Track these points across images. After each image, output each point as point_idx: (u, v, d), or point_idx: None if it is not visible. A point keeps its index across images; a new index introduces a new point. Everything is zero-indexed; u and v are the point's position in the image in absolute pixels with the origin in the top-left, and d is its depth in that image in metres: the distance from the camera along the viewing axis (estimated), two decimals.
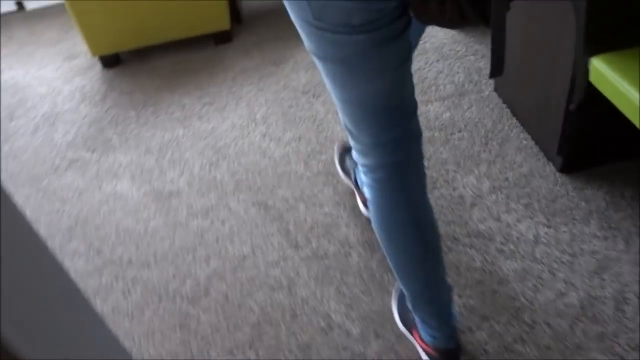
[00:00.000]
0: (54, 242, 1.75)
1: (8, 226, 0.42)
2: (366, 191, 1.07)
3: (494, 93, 1.95)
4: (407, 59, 0.92)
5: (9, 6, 3.30)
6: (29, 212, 1.89)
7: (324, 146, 1.90)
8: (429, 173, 1.70)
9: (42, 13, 3.26)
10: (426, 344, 1.18)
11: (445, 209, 1.56)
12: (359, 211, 1.61)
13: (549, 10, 1.44)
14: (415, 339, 1.24)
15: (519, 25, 1.62)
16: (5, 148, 2.22)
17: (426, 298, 1.12)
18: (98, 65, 2.63)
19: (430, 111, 1.94)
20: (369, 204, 1.08)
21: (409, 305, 1.17)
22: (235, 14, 2.71)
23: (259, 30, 2.67)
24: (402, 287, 1.14)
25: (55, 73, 2.66)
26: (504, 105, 1.88)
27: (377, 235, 1.09)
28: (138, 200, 1.84)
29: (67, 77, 2.61)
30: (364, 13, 0.81)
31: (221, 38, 2.61)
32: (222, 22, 2.52)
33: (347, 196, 1.68)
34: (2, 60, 2.84)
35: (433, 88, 2.05)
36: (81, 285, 1.59)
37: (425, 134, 1.84)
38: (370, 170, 1.02)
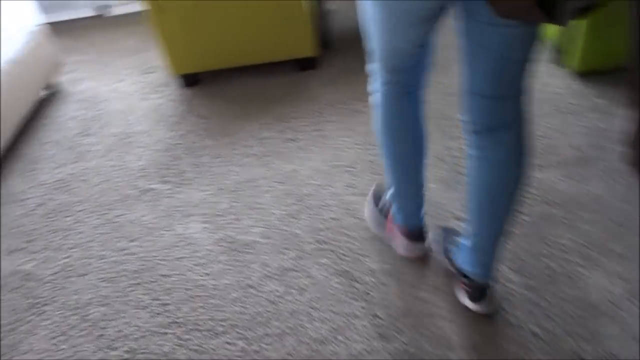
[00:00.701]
0: (118, 286, 1.62)
1: None
2: (376, 97, 1.31)
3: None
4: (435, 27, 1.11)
5: (91, 11, 3.26)
6: (96, 245, 1.77)
7: None
8: (547, 262, 1.45)
9: (124, 19, 3.20)
10: (401, 227, 1.50)
11: (569, 315, 1.31)
12: (462, 304, 1.38)
13: None
14: (390, 230, 1.56)
15: None
16: (77, 167, 2.14)
17: (413, 183, 1.41)
18: (176, 83, 2.52)
19: (545, 180, 1.68)
20: (376, 107, 1.32)
21: (392, 196, 1.45)
22: (323, 39, 2.52)
23: (347, 58, 2.48)
24: (393, 180, 1.41)
25: (132, 87, 2.57)
26: None
27: (382, 138, 1.34)
28: (210, 249, 1.69)
29: (144, 92, 2.51)
30: None
31: (306, 64, 2.43)
32: (307, 48, 2.34)
33: (446, 280, 1.46)
34: (81, 68, 2.79)
35: (548, 150, 1.79)
36: (141, 345, 1.44)
37: (540, 208, 1.59)
38: (390, 81, 1.26)
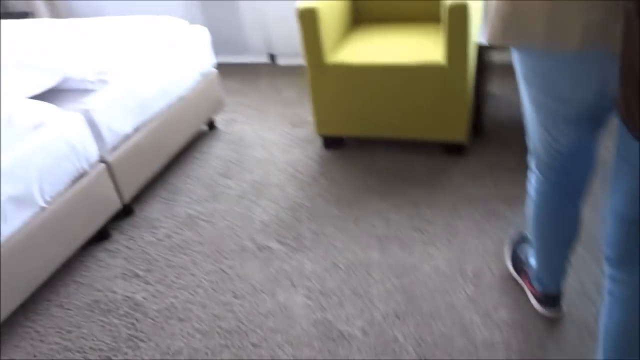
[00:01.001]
0: (209, 342, 1.61)
1: None
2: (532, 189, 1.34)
3: None
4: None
5: (263, 57, 3.49)
6: (202, 292, 1.80)
7: (549, 353, 1.42)
8: None
9: (290, 70, 3.36)
10: (536, 290, 1.52)
11: None
12: None
13: None
14: (524, 282, 1.59)
15: None
16: (209, 207, 2.22)
17: (556, 262, 1.41)
18: (319, 142, 2.54)
19: None
20: (530, 196, 1.36)
21: (533, 263, 1.48)
22: (477, 125, 2.36)
23: (499, 150, 2.28)
24: (536, 254, 1.43)
25: (278, 137, 2.65)
26: None
27: (531, 224, 1.38)
28: (305, 328, 1.61)
29: (287, 145, 2.57)
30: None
31: (453, 149, 2.29)
32: (458, 133, 2.20)
33: None
34: (239, 110, 2.96)
35: None
36: None
37: None
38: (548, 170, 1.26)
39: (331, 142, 2.48)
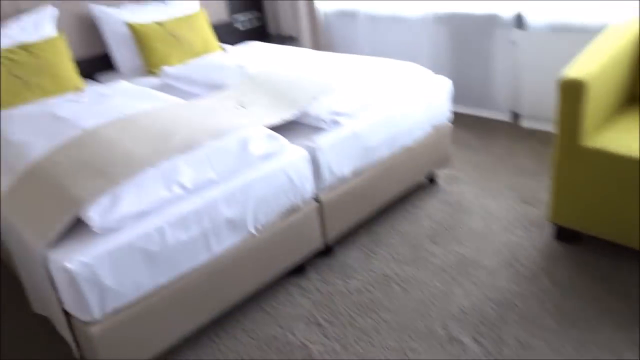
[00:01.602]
0: None
1: None
2: None
3: None
4: None
5: (505, 115, 3.18)
6: None
7: None
8: None
9: (533, 135, 2.99)
10: None
11: None
12: None
13: None
14: None
15: None
16: (408, 271, 2.06)
17: None
18: (550, 230, 2.16)
19: None
20: None
21: None
22: None
23: None
24: None
25: (501, 211, 2.35)
26: None
27: None
28: None
29: (510, 223, 2.25)
30: None
31: None
32: None
33: None
34: (463, 169, 2.73)
35: None
36: None
37: None
38: None
39: (565, 234, 2.09)
